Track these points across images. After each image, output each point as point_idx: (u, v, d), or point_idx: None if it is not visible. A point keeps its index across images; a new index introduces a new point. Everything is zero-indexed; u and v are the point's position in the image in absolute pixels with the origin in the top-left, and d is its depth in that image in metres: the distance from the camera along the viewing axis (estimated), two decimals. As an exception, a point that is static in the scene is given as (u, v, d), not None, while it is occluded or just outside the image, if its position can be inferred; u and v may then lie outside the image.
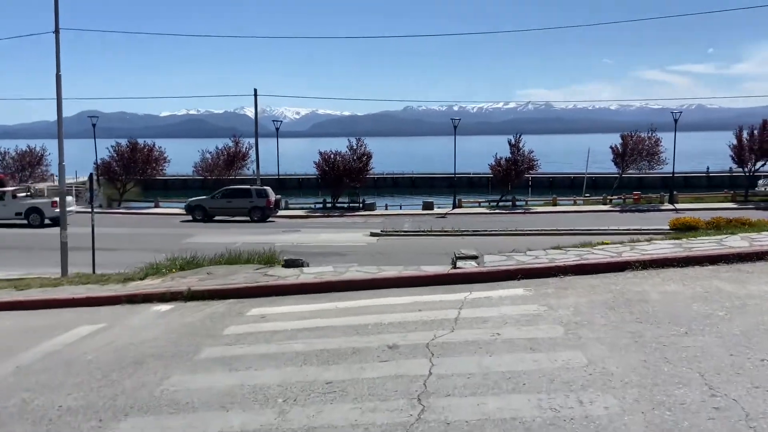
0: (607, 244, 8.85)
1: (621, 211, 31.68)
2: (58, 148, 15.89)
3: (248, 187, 30.09)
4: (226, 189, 30.07)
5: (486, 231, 23.83)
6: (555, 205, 33.63)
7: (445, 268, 8.75)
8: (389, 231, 23.92)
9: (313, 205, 35.22)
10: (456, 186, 37.46)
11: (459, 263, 8.67)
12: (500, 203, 34.61)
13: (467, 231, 23.81)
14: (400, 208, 40.21)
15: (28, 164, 33.92)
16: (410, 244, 21.85)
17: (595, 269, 7.29)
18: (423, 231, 23.81)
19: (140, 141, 34.36)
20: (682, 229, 23.29)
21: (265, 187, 30.17)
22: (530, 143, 35.31)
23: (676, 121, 32.93)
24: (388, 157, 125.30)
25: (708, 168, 58.38)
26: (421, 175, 75.18)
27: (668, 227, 23.61)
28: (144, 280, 9.50)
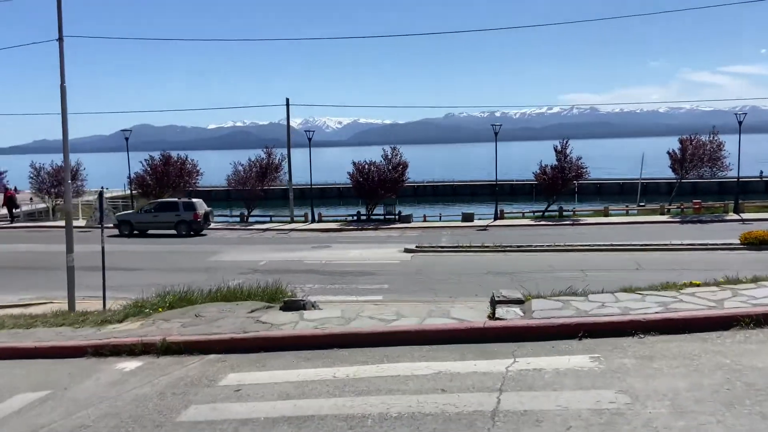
0: (697, 285, 6.82)
1: (681, 222, 28.91)
2: (64, 164, 14.87)
3: (175, 200, 28.73)
4: (153, 203, 29.26)
5: (531, 246, 21.74)
6: (606, 215, 31.09)
7: (480, 316, 6.89)
8: (425, 247, 22.11)
9: (347, 218, 33.76)
10: (498, 194, 35.23)
11: (499, 310, 6.80)
12: (545, 213, 32.32)
13: (510, 246, 21.79)
14: (439, 219, 38.32)
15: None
16: (446, 262, 20.00)
17: (688, 326, 5.35)
18: (461, 247, 21.91)
19: (174, 153, 33.75)
20: (755, 244, 20.70)
21: (194, 200, 28.74)
22: (575, 148, 32.99)
23: (740, 123, 29.94)
24: (428, 164, 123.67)
25: (761, 172, 54.23)
26: (462, 182, 73.09)
27: (738, 242, 21.02)
28: (122, 322, 8.03)
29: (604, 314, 5.92)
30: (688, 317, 5.44)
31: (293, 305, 7.82)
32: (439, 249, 21.93)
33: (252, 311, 7.89)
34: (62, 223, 32.40)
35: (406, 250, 21.85)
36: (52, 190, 33.83)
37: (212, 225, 29.88)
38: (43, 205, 34.43)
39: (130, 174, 32.99)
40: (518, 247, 21.77)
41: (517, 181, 68.25)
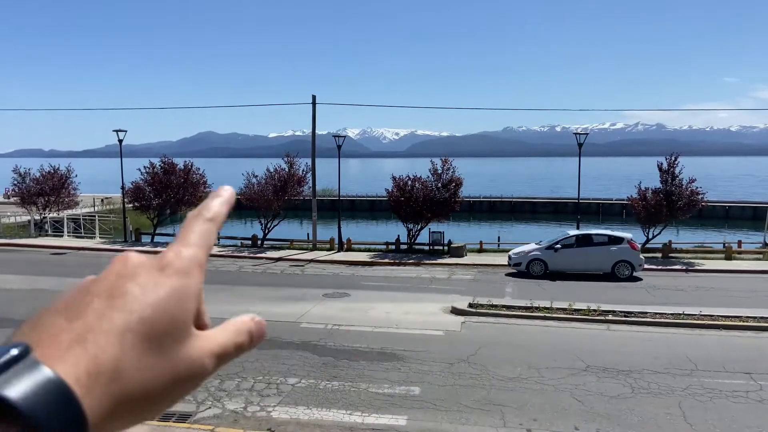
0: None
1: None
2: None
3: None
4: None
5: (641, 312, 14.41)
6: (729, 258, 23.01)
7: None
8: (482, 306, 15.11)
9: (384, 246, 27.02)
10: (579, 212, 27.56)
11: None
12: (643, 252, 24.60)
13: (612, 311, 14.55)
14: (498, 246, 31.09)
15: (53, 188, 28.59)
16: (516, 337, 13.01)
17: None
18: (536, 309, 14.80)
19: (178, 161, 28.14)
20: None
21: None
22: (641, 165, 25.26)
23: None
24: (486, 179, 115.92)
25: None
26: (522, 199, 65.40)
27: None
28: None
29: None
30: None
31: None
32: (504, 310, 14.87)
33: None
34: (43, 241, 27.23)
35: (455, 311, 14.92)
36: (39, 199, 28.73)
37: (214, 251, 23.82)
38: (27, 218, 29.37)
39: (123, 183, 27.42)
40: (624, 314, 14.46)
41: (603, 199, 59.73)
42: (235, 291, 17.72)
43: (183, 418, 8.67)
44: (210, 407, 9.13)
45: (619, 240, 20.49)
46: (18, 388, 0.38)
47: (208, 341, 0.49)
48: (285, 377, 10.32)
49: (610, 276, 20.09)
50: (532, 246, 21.51)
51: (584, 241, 20.91)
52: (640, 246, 21.49)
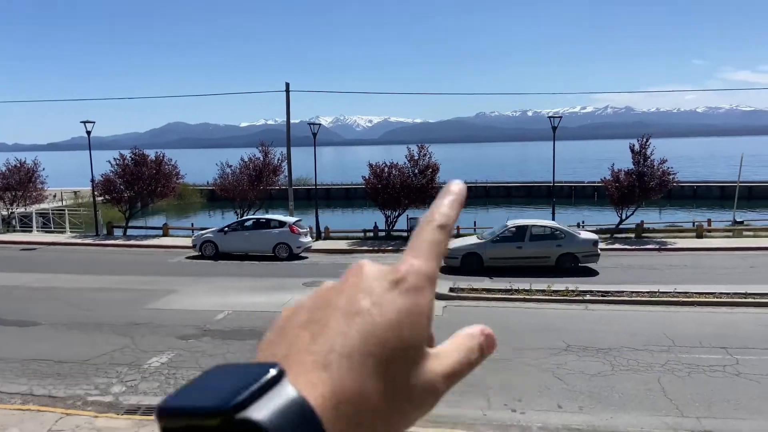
0: None
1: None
2: None
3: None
4: None
5: (621, 293, 14.65)
6: (701, 236, 23.52)
7: None
8: (464, 290, 15.19)
9: (362, 233, 26.94)
10: (553, 196, 27.72)
11: None
12: (619, 228, 24.98)
13: (590, 291, 14.77)
14: (474, 231, 31.34)
15: (19, 182, 27.77)
16: (498, 319, 13.10)
17: None
18: (517, 291, 14.93)
19: (150, 152, 27.52)
20: None
21: None
22: (611, 147, 25.67)
23: None
24: (460, 164, 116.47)
25: None
26: (496, 184, 65.92)
27: None
28: None
29: None
30: None
31: None
32: (485, 294, 14.96)
33: None
34: (11, 237, 26.45)
35: (436, 296, 14.92)
36: (6, 194, 27.86)
37: (188, 242, 23.48)
38: (-4, 213, 28.48)
39: (93, 176, 26.74)
40: (601, 294, 14.67)
41: (575, 182, 60.23)
42: (213, 282, 17.48)
43: (166, 412, 8.54)
44: (193, 400, 9.00)
45: (281, 224, 21.55)
46: (267, 411, 0.38)
47: (440, 362, 0.47)
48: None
49: (272, 257, 21.26)
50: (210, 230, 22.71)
51: (253, 224, 22.16)
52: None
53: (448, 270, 18.26)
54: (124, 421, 8.01)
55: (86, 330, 12.48)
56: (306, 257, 22.07)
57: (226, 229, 22.08)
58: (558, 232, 18.80)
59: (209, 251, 21.61)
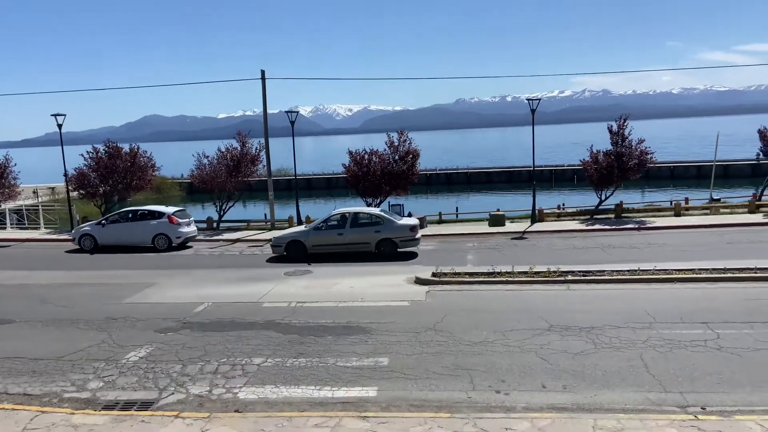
0: None
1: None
2: None
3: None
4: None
5: (601, 272, 14.72)
6: (679, 215, 23.76)
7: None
8: (446, 274, 15.13)
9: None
10: (534, 180, 27.72)
11: None
12: (599, 209, 25.10)
13: (571, 272, 14.80)
14: (456, 216, 31.43)
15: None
16: (480, 303, 13.07)
17: None
18: (498, 275, 14.92)
19: (124, 145, 26.89)
20: None
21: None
22: (589, 131, 25.79)
23: None
24: (441, 151, 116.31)
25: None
26: (477, 169, 66.13)
27: None
28: None
29: None
30: None
31: None
32: (467, 278, 14.92)
33: None
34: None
35: (419, 281, 14.89)
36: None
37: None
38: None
39: (66, 171, 26.10)
40: (583, 273, 14.72)
41: (555, 166, 60.46)
42: (191, 274, 17.21)
43: (145, 405, 8.32)
44: (173, 393, 8.79)
45: (159, 215, 21.58)
46: None
47: None
48: (250, 357, 10.06)
49: (152, 248, 21.36)
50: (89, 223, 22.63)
51: (131, 216, 22.01)
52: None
53: (277, 258, 19.10)
54: (101, 416, 7.80)
55: (62, 326, 12.19)
56: (190, 246, 22.28)
57: (104, 221, 21.89)
58: (378, 218, 19.24)
59: (88, 245, 21.43)
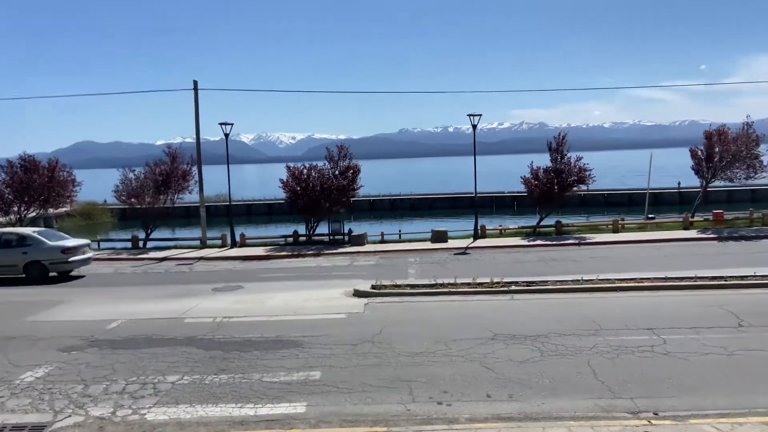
0: None
1: (718, 239, 22.14)
2: None
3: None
4: None
5: (545, 283, 14.34)
6: (617, 231, 24.04)
7: None
8: (386, 286, 14.36)
9: (282, 239, 25.62)
10: (472, 208, 27.60)
11: None
12: (538, 229, 25.12)
13: (515, 283, 14.34)
14: (399, 237, 30.77)
15: None
16: (422, 314, 12.36)
17: None
18: (441, 286, 14.28)
19: (44, 159, 24.95)
20: None
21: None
22: (525, 161, 26.15)
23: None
24: (384, 179, 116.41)
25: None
26: (421, 196, 66.11)
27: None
28: None
29: None
30: None
31: None
32: (408, 290, 14.20)
33: None
34: None
35: (357, 293, 14.05)
36: None
37: (96, 255, 21.16)
38: None
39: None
40: (527, 284, 14.28)
41: (496, 193, 61.28)
42: (109, 293, 15.71)
43: (36, 429, 7.11)
44: (70, 415, 7.58)
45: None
46: None
47: None
48: (164, 375, 8.90)
49: None
50: None
51: None
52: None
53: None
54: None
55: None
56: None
57: None
58: (26, 239, 17.68)
59: None
